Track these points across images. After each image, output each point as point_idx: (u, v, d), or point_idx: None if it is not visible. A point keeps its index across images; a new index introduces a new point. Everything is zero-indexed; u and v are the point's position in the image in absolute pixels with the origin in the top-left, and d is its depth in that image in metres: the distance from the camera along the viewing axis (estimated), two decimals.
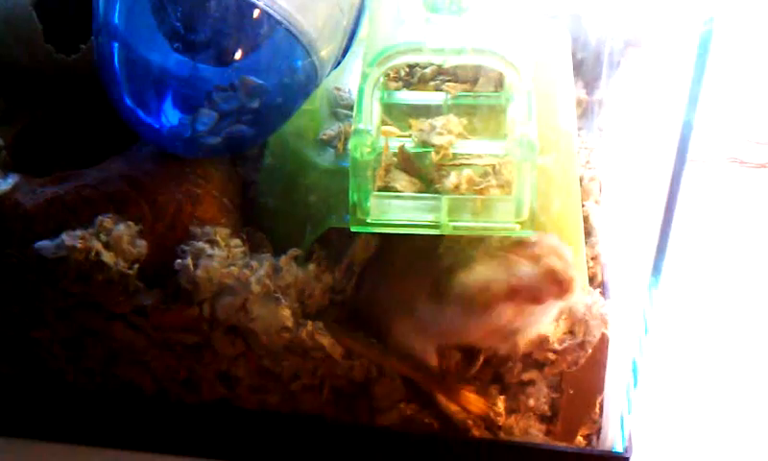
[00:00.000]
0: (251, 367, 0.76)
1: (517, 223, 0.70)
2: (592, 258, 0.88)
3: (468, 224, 0.70)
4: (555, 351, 0.76)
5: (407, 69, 0.84)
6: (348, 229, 0.73)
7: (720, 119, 1.20)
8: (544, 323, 0.74)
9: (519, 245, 0.69)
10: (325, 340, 0.74)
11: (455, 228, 0.69)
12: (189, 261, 0.73)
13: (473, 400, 0.76)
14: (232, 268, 0.73)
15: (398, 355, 0.75)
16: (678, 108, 0.65)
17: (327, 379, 0.77)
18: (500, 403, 0.79)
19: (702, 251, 1.05)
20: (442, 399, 0.79)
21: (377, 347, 0.75)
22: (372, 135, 0.70)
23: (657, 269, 0.67)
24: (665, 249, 0.66)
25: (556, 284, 0.68)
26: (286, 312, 0.73)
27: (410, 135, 0.73)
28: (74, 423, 0.81)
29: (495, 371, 0.80)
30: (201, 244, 0.74)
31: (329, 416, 0.79)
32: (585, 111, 1.09)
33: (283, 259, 0.74)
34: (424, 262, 0.71)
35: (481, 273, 0.69)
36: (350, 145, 0.69)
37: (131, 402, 0.79)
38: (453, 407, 0.79)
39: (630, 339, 0.74)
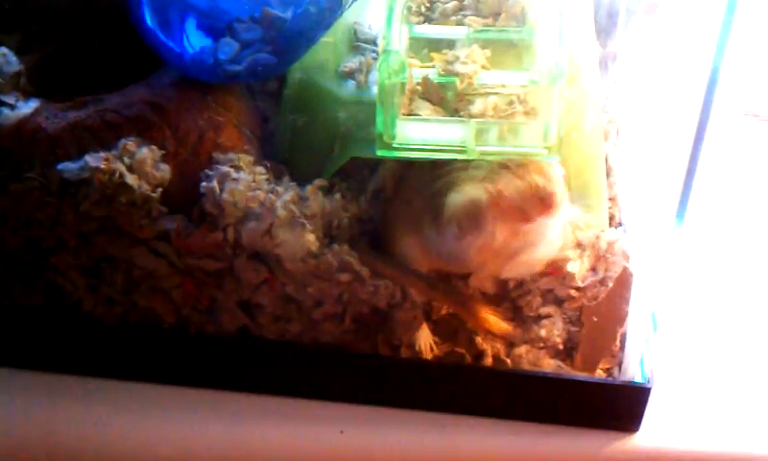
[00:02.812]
0: (274, 294, 0.76)
1: (545, 147, 0.70)
2: (611, 198, 0.87)
3: (494, 148, 0.71)
4: (577, 288, 0.78)
5: (428, 3, 0.83)
6: (367, 160, 0.74)
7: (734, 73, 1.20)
8: (547, 245, 0.74)
9: (506, 166, 0.69)
10: (353, 259, 0.74)
11: (482, 152, 0.70)
12: (215, 184, 0.73)
13: (494, 322, 0.77)
14: (258, 192, 0.74)
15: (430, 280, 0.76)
16: (700, 57, 0.65)
17: (350, 306, 0.77)
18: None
19: (716, 201, 1.05)
20: (466, 322, 0.80)
21: (402, 268, 0.76)
22: (401, 57, 0.70)
23: (681, 212, 0.67)
24: (689, 192, 0.66)
25: (539, 200, 0.68)
26: (311, 237, 0.73)
27: (433, 66, 0.73)
28: (92, 355, 0.81)
29: (514, 303, 0.81)
30: (226, 168, 0.74)
31: (349, 347, 0.80)
32: (599, 63, 1.08)
33: (309, 189, 0.75)
34: (429, 185, 0.72)
35: (467, 192, 0.69)
36: (378, 67, 0.69)
37: (150, 334, 0.79)
38: (478, 336, 0.79)
39: (652, 277, 0.75)
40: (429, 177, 0.74)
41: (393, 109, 0.70)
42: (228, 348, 0.79)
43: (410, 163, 0.75)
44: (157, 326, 0.79)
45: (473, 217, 0.69)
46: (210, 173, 0.74)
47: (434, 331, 0.81)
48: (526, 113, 0.71)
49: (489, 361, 0.79)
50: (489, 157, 0.71)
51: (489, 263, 0.76)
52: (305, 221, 0.74)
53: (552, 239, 0.75)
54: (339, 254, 0.74)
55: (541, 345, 0.80)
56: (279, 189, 0.75)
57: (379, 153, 0.71)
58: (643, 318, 0.77)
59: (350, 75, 0.80)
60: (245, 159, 0.76)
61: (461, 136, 0.70)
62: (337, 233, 0.76)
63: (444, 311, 0.80)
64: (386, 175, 0.77)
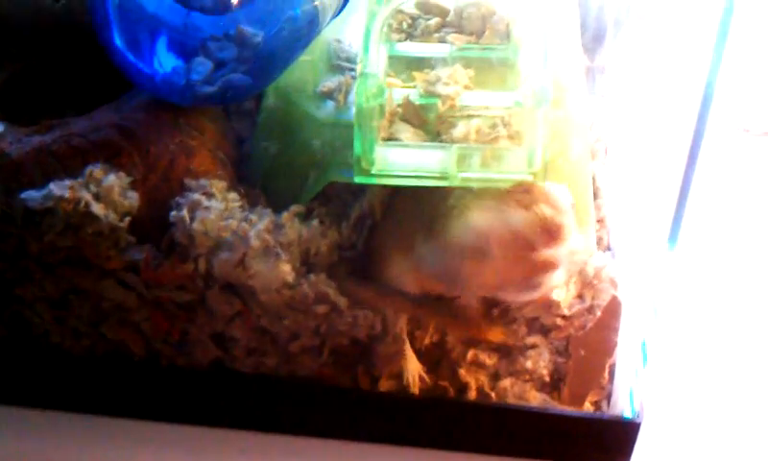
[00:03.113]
0: (248, 327, 0.73)
1: (530, 173, 0.67)
2: (598, 221, 0.83)
3: (477, 175, 0.68)
4: (563, 316, 0.75)
5: (410, 21, 0.81)
6: (349, 184, 0.70)
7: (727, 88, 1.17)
8: (553, 280, 0.71)
9: (512, 192, 0.67)
10: (330, 289, 0.71)
11: (464, 179, 0.67)
12: (185, 213, 0.70)
13: (492, 332, 0.74)
14: (230, 221, 0.70)
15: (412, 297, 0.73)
16: (692, 70, 0.62)
17: (329, 339, 0.74)
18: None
19: (710, 219, 1.02)
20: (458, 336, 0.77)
21: (385, 290, 0.73)
22: (379, 80, 0.67)
23: (674, 235, 0.64)
24: (683, 214, 0.64)
25: (546, 232, 0.66)
26: (286, 267, 0.70)
27: (414, 87, 0.71)
28: (59, 388, 0.78)
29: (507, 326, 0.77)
30: (197, 196, 0.71)
31: (328, 380, 0.77)
32: (587, 76, 1.06)
33: (285, 216, 0.72)
34: (423, 206, 0.70)
35: (474, 219, 0.67)
36: (356, 90, 0.66)
37: (120, 366, 0.76)
38: (462, 368, 0.76)
39: (642, 305, 0.73)
40: (427, 198, 0.71)
41: (371, 133, 0.67)
42: (201, 381, 0.76)
43: (394, 187, 0.73)
44: (127, 358, 0.77)
45: (479, 247, 0.67)
46: (181, 201, 0.71)
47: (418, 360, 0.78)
48: (510, 137, 0.68)
49: (473, 394, 0.76)
50: (471, 184, 0.68)
51: (487, 286, 0.72)
52: (280, 250, 0.71)
53: (560, 275, 0.72)
54: (315, 285, 0.71)
55: (527, 377, 0.77)
56: (253, 217, 0.72)
57: (357, 179, 0.69)
58: (633, 348, 0.75)
59: (329, 95, 0.76)
60: (218, 185, 0.73)
61: (442, 162, 0.67)
62: (315, 262, 0.72)
63: (427, 340, 0.77)
64: (374, 200, 0.74)
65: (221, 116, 0.80)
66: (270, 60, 0.74)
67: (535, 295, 0.72)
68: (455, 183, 0.67)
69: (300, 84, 0.78)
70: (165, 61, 0.74)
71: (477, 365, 0.77)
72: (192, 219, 0.70)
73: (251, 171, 0.80)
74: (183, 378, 0.76)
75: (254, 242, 0.70)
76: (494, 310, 0.76)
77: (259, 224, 0.71)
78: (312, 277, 0.72)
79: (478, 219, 0.67)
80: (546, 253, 0.68)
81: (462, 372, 0.76)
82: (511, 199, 0.67)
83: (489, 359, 0.77)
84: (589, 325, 0.74)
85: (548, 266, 0.69)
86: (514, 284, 0.70)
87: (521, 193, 0.67)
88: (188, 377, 0.76)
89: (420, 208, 0.70)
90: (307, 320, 0.72)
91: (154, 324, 0.74)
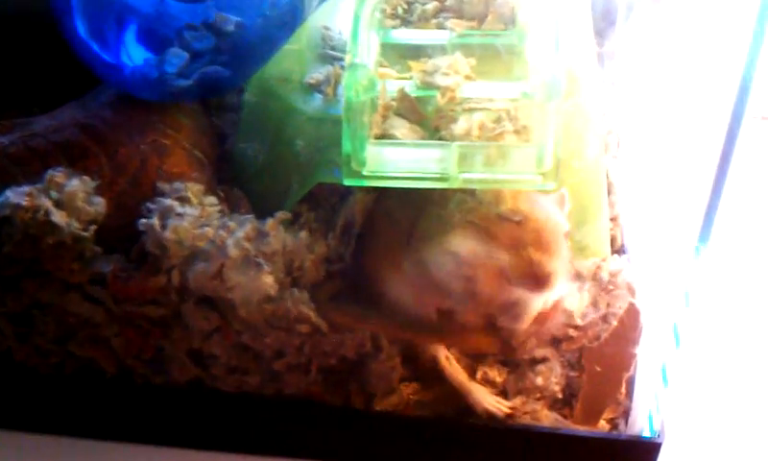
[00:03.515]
0: (227, 343, 0.68)
1: (540, 174, 0.61)
2: (611, 219, 0.78)
3: (481, 176, 0.61)
4: (576, 326, 0.70)
5: (405, 5, 0.74)
6: (340, 185, 0.64)
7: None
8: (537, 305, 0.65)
9: (503, 220, 0.61)
10: (311, 311, 0.66)
11: (466, 180, 0.61)
12: (156, 221, 0.64)
13: (486, 343, 0.68)
14: (206, 229, 0.65)
15: (397, 319, 0.68)
16: (714, 53, 0.55)
17: (316, 357, 0.69)
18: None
19: (742, 215, 0.95)
20: (447, 369, 0.72)
21: (373, 316, 0.68)
22: (370, 71, 0.60)
23: (705, 235, 0.58)
24: (715, 210, 0.57)
25: (532, 279, 0.60)
26: (269, 279, 0.64)
27: (410, 78, 0.65)
28: (26, 408, 0.73)
29: (507, 344, 0.70)
30: (169, 201, 0.66)
31: (318, 399, 0.71)
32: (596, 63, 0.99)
33: (270, 223, 0.66)
34: (408, 223, 0.65)
35: (457, 245, 0.62)
36: (344, 82, 0.60)
37: (91, 385, 0.71)
38: (461, 379, 0.71)
39: (665, 312, 0.66)
40: (407, 211, 0.65)
41: (362, 130, 0.61)
42: (180, 401, 0.71)
43: (383, 192, 0.66)
44: (99, 376, 0.71)
45: (456, 276, 0.62)
46: (151, 207, 0.66)
47: (413, 379, 0.72)
48: (517, 133, 0.62)
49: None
50: (474, 186, 0.62)
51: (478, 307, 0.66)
52: (262, 261, 0.65)
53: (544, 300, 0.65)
54: (297, 303, 0.65)
55: (538, 395, 0.71)
56: (231, 224, 0.65)
57: (346, 181, 0.62)
58: (654, 361, 0.68)
59: (317, 87, 0.71)
60: (194, 189, 0.68)
61: (441, 162, 0.61)
62: (299, 275, 0.67)
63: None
64: (356, 206, 0.68)
65: (199, 112, 0.75)
66: (251, 51, 0.69)
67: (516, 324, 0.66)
68: (456, 185, 0.61)
69: (286, 76, 0.73)
70: (135, 53, 0.68)
71: (485, 383, 0.72)
72: (164, 227, 0.64)
73: (232, 171, 0.75)
74: (160, 398, 0.72)
75: (233, 251, 0.64)
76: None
77: (239, 231, 0.65)
78: (296, 291, 0.66)
79: (461, 246, 0.62)
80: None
81: None
82: (500, 233, 0.61)
83: (498, 376, 0.72)
84: (605, 335, 0.69)
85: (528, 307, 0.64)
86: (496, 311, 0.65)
87: (513, 227, 0.61)
88: (165, 397, 0.71)
89: (406, 215, 0.65)
90: (291, 337, 0.67)
91: (125, 340, 0.69)
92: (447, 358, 0.71)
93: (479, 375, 0.71)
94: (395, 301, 0.66)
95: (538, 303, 0.64)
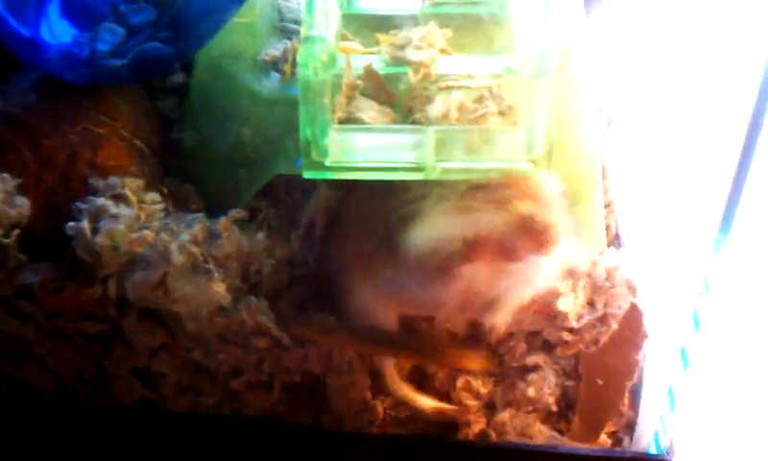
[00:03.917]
0: (177, 361, 0.63)
1: (530, 161, 0.54)
2: (605, 206, 0.73)
3: (461, 164, 0.55)
4: (570, 329, 0.64)
5: None
6: (303, 178, 0.57)
7: None
8: (536, 285, 0.58)
9: (484, 186, 0.54)
10: (270, 322, 0.60)
11: (445, 170, 0.55)
12: (86, 224, 0.59)
13: (470, 358, 0.62)
14: (146, 232, 0.59)
15: (362, 332, 0.62)
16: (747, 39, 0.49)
17: (278, 374, 0.63)
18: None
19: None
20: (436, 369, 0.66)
21: (339, 328, 0.62)
22: (329, 45, 0.54)
23: (726, 225, 0.50)
24: (738, 197, 0.49)
25: (531, 235, 0.53)
26: (220, 288, 0.59)
27: (378, 52, 0.61)
28: None
29: (492, 351, 0.65)
30: (102, 200, 0.60)
31: (283, 420, 0.65)
32: None
33: (222, 222, 0.61)
34: (376, 217, 0.58)
35: (434, 227, 0.54)
36: (299, 58, 0.53)
37: (28, 407, 0.66)
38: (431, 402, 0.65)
39: (674, 313, 0.59)
40: (379, 203, 0.58)
41: (323, 114, 0.55)
42: (127, 423, 0.66)
43: (350, 185, 0.61)
44: (37, 398, 0.66)
45: (442, 263, 0.54)
46: (81, 207, 0.60)
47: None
48: (502, 114, 0.57)
49: (467, 431, 0.64)
50: (454, 176, 0.55)
51: (464, 309, 0.60)
52: (212, 267, 0.59)
53: (547, 277, 0.59)
54: (255, 313, 0.59)
55: (530, 408, 0.65)
56: (175, 227, 0.59)
57: (306, 173, 0.56)
58: (661, 366, 0.63)
59: (273, 65, 0.66)
60: (132, 185, 0.63)
61: (416, 149, 0.55)
62: (257, 282, 0.62)
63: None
64: (317, 205, 0.63)
65: (139, 96, 0.69)
66: (196, 24, 0.64)
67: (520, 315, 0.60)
68: (433, 176, 0.55)
69: (237, 53, 0.67)
70: (60, 29, 0.64)
71: (468, 393, 0.66)
72: (95, 230, 0.59)
73: (180, 163, 0.69)
74: (106, 420, 0.66)
75: (177, 257, 0.58)
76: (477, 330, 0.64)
77: (185, 233, 0.60)
78: (253, 300, 0.60)
79: (439, 227, 0.54)
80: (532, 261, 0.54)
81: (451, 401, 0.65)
82: (480, 195, 0.54)
83: (483, 387, 0.66)
84: (603, 339, 0.64)
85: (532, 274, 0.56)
86: (491, 306, 0.58)
87: (494, 187, 0.54)
88: (111, 419, 0.66)
89: (380, 218, 0.58)
90: (248, 353, 0.61)
91: (61, 359, 0.64)
92: (391, 376, 0.64)
93: (460, 383, 0.65)
94: (364, 310, 0.61)
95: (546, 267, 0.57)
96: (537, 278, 0.57)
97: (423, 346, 0.63)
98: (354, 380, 0.62)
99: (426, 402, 0.64)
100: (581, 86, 0.66)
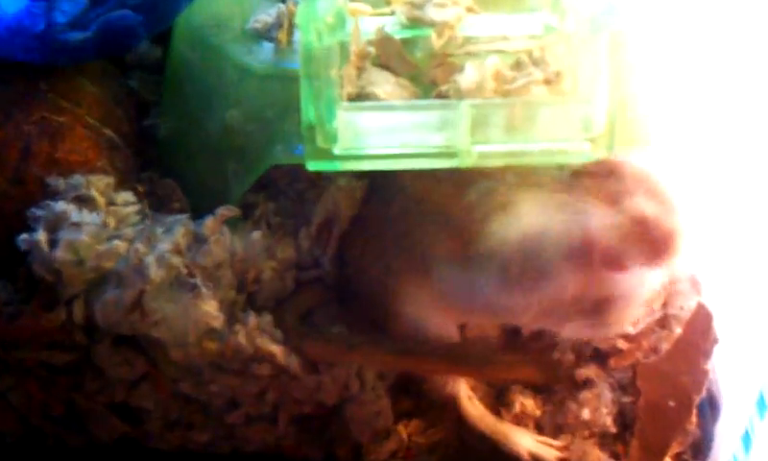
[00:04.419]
0: (161, 394, 0.54)
1: (588, 140, 0.45)
2: None
3: (503, 147, 0.45)
4: (626, 336, 0.58)
5: None
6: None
7: None
8: (636, 301, 0.49)
9: (591, 174, 0.46)
10: (274, 346, 0.50)
11: (482, 155, 0.46)
12: (41, 235, 0.49)
13: (525, 369, 0.54)
14: (116, 242, 0.50)
15: (403, 345, 0.53)
16: None
17: (284, 406, 0.54)
18: None
19: None
20: (471, 414, 0.57)
21: (367, 344, 0.53)
22: (335, 3, 0.45)
23: None
24: None
25: (647, 242, 0.44)
26: (210, 306, 0.50)
27: (392, 13, 0.54)
28: None
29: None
30: (63, 205, 0.51)
31: (291, 455, 0.57)
32: None
33: (209, 223, 0.53)
34: (440, 207, 0.50)
35: (530, 222, 0.46)
36: (299, 20, 0.44)
37: None
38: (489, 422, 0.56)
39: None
40: (436, 190, 0.50)
41: (329, 89, 0.45)
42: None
43: (379, 172, 0.51)
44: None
45: (535, 263, 0.45)
46: (37, 214, 0.50)
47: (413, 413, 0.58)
48: (548, 82, 0.48)
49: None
50: (495, 161, 0.46)
51: (546, 317, 0.50)
52: (199, 280, 0.49)
53: (653, 289, 0.50)
54: (254, 335, 0.49)
55: (586, 432, 0.56)
56: (151, 234, 0.50)
57: (311, 165, 0.46)
58: (740, 373, 0.56)
59: (266, 33, 0.57)
60: (100, 184, 0.53)
61: (445, 130, 0.46)
62: (256, 291, 0.53)
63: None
64: (338, 195, 0.53)
65: (110, 75, 0.61)
66: None
67: (606, 333, 0.52)
68: (469, 163, 0.46)
69: (222, 21, 0.59)
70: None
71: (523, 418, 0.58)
72: (54, 243, 0.49)
73: (160, 153, 0.61)
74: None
75: (156, 272, 0.49)
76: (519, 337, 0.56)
77: (164, 242, 0.50)
78: (252, 317, 0.50)
79: (534, 221, 0.45)
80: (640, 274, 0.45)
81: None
82: (586, 185, 0.46)
83: (536, 408, 0.58)
84: (664, 345, 0.57)
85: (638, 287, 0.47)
86: (580, 317, 0.48)
87: (603, 177, 0.46)
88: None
89: (435, 213, 0.50)
90: (247, 383, 0.52)
91: (25, 395, 0.55)
92: (470, 398, 0.56)
93: (517, 406, 0.57)
94: (413, 319, 0.52)
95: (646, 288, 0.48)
96: (640, 289, 0.48)
97: (474, 356, 0.54)
98: (380, 409, 0.54)
99: (523, 440, 0.55)
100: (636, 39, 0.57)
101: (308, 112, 0.45)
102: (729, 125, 0.60)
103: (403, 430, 0.58)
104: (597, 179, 0.46)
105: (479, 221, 0.47)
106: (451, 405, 0.56)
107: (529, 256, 0.46)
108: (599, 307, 0.47)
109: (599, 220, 0.45)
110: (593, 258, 0.45)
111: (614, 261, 0.45)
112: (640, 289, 0.48)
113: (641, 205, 0.45)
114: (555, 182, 0.46)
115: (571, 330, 0.50)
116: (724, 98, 0.59)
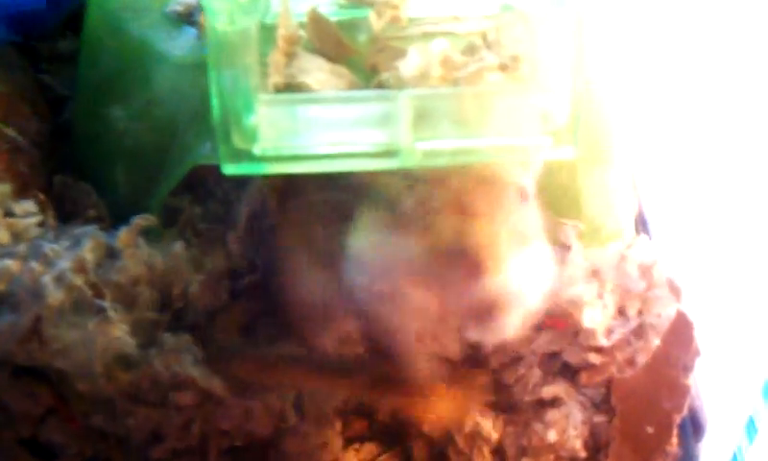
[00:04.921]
0: (72, 428, 0.48)
1: (550, 134, 0.41)
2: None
3: (451, 144, 0.41)
4: (598, 349, 0.52)
5: None
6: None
7: None
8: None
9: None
10: (193, 369, 0.45)
11: (428, 153, 0.41)
12: None
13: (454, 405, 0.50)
14: (7, 261, 0.45)
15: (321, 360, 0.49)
16: None
17: (213, 437, 0.48)
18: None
19: None
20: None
21: (301, 360, 0.49)
22: None
23: None
24: None
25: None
26: (118, 330, 0.44)
27: None
28: None
29: (498, 380, 0.54)
30: None
31: None
32: None
33: (122, 235, 0.48)
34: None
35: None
36: (204, 2, 0.38)
37: None
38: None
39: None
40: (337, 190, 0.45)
41: (245, 80, 0.40)
42: None
43: None
44: None
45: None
46: None
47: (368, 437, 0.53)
48: (503, 68, 0.43)
49: None
50: (441, 161, 0.41)
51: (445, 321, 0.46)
52: (107, 302, 0.44)
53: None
54: (171, 359, 0.44)
55: (552, 457, 0.51)
56: (50, 250, 0.44)
57: (226, 168, 0.41)
58: (728, 391, 0.53)
59: (187, 17, 0.53)
60: None
61: (386, 124, 0.41)
62: (182, 307, 0.47)
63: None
64: (262, 185, 0.50)
65: (17, 66, 0.58)
66: None
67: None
68: (412, 162, 0.41)
69: (140, 4, 0.55)
70: None
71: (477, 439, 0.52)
72: None
73: (74, 153, 0.56)
74: None
75: (54, 294, 0.44)
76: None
77: (65, 259, 0.45)
78: (169, 339, 0.45)
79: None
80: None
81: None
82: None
83: (493, 430, 0.52)
84: (641, 358, 0.52)
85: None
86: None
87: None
88: None
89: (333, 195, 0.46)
90: (168, 413, 0.46)
91: None
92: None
93: (469, 426, 0.52)
94: (314, 305, 0.48)
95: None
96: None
97: (404, 377, 0.47)
98: (325, 441, 0.48)
99: None
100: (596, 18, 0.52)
101: (219, 109, 0.39)
102: (709, 120, 0.56)
103: (354, 457, 0.52)
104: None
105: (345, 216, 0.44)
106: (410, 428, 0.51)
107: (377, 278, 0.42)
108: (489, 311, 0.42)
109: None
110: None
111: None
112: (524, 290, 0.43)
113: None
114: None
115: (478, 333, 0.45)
116: (700, 92, 0.56)
